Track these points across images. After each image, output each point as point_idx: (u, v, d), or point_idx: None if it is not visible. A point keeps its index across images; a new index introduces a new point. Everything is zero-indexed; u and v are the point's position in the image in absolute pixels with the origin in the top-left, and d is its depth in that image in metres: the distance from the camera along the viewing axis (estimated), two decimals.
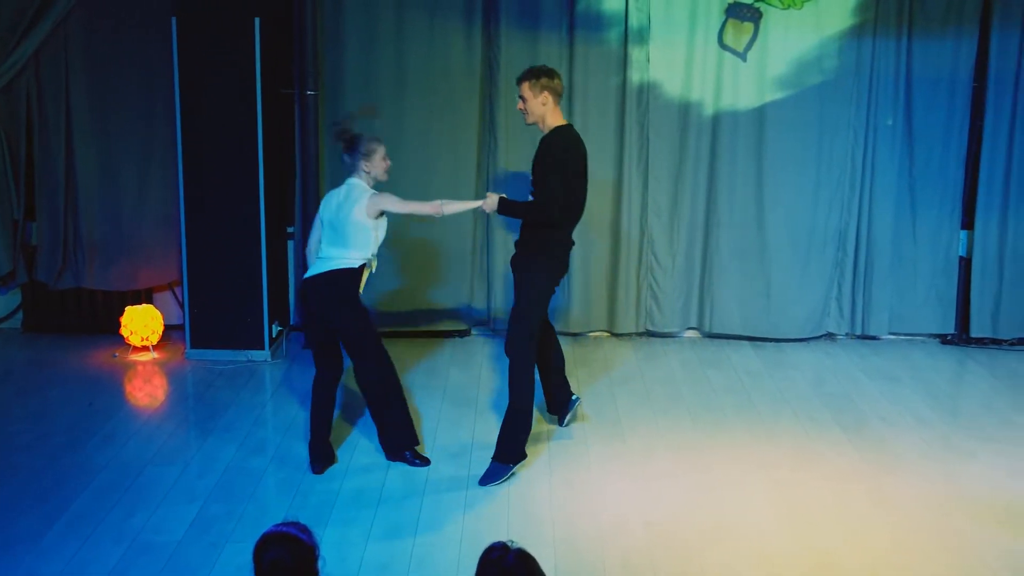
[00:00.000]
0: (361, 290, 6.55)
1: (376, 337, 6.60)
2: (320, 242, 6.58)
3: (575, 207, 6.66)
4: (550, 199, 6.39)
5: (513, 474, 6.44)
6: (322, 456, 6.58)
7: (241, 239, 8.37)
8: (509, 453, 6.50)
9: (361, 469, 6.54)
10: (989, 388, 8.23)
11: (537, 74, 6.54)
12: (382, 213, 6.45)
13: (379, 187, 6.54)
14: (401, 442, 6.66)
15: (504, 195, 6.57)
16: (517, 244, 6.74)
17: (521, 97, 6.56)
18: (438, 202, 6.54)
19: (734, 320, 9.27)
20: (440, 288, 9.17)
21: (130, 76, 8.71)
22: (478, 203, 6.66)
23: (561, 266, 6.72)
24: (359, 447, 6.85)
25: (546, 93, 6.49)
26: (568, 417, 7.23)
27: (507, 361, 6.60)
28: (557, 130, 6.55)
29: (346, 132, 6.55)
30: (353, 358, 6.57)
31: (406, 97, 8.89)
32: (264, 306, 8.45)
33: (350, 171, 6.51)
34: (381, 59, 8.83)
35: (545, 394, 7.26)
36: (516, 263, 6.71)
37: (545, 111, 6.53)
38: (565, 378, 7.28)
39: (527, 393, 6.58)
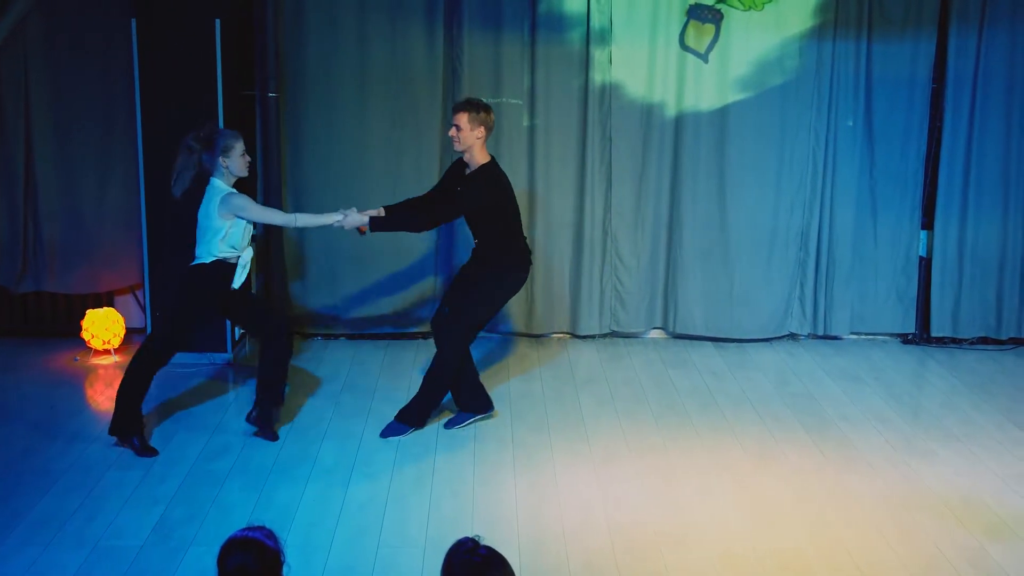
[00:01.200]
0: (236, 284, 6.83)
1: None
2: None
3: (515, 227, 7.04)
4: (441, 216, 6.97)
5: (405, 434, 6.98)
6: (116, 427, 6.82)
7: None
8: (412, 417, 7.05)
9: (324, 472, 6.52)
10: (949, 387, 8.30)
11: (477, 107, 6.80)
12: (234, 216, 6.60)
13: (239, 184, 6.78)
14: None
15: (377, 212, 6.84)
16: (476, 256, 7.10)
17: (456, 125, 6.78)
18: (293, 214, 6.68)
19: (697, 321, 9.30)
20: (403, 290, 9.13)
21: (90, 77, 8.61)
22: (336, 217, 6.75)
23: (524, 275, 7.12)
24: (322, 450, 6.83)
25: (482, 128, 6.77)
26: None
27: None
28: (484, 169, 6.87)
29: (201, 132, 6.68)
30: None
31: (368, 99, 8.85)
32: None
33: (210, 171, 6.69)
34: (343, 61, 8.79)
35: (453, 393, 7.31)
36: (476, 274, 7.06)
37: (477, 144, 6.80)
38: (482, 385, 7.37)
39: (447, 386, 7.11)
